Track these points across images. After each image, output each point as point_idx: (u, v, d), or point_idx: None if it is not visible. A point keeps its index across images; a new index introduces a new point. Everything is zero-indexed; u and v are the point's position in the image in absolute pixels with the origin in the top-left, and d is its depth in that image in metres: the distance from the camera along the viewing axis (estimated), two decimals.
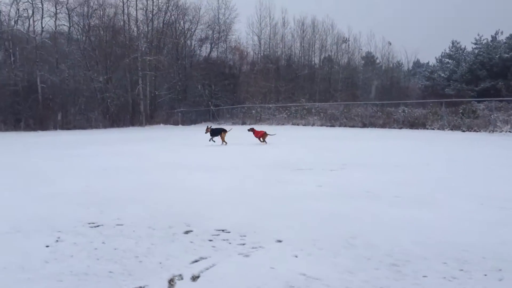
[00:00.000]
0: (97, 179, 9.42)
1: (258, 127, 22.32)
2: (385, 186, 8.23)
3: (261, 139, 18.69)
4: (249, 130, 19.45)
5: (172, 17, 45.76)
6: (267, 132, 19.11)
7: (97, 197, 7.30)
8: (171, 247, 4.75)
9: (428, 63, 73.58)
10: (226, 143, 18.22)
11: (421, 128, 28.04)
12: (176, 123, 40.98)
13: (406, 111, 30.38)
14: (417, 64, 73.89)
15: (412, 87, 59.97)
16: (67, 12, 40.75)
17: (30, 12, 39.25)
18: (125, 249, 4.65)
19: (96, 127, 37.87)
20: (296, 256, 4.46)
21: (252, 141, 18.73)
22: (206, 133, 18.73)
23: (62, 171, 10.83)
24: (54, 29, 40.82)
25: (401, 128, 28.90)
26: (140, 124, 39.96)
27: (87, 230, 5.33)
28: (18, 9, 39.15)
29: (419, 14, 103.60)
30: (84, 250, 4.61)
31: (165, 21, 44.79)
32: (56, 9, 40.04)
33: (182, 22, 47.16)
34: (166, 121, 41.19)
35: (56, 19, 40.28)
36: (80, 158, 13.62)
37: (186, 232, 5.30)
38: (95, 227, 5.49)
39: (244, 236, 5.15)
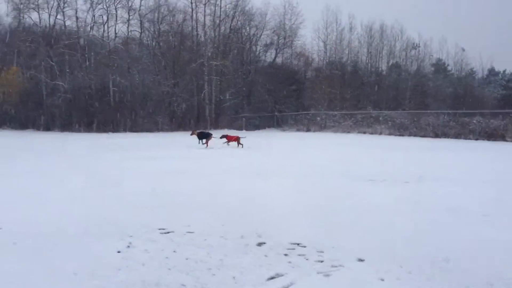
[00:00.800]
0: (162, 182, 9.39)
1: (322, 135, 21.84)
2: (471, 203, 7.52)
3: (236, 143, 19.54)
4: (221, 137, 19.88)
5: (239, 22, 46.18)
6: (240, 136, 20.24)
7: (164, 201, 7.20)
8: (245, 260, 4.46)
9: (505, 71, 69.38)
10: (207, 145, 19.19)
11: (499, 140, 26.20)
12: (239, 128, 41.12)
13: (482, 122, 28.55)
14: (492, 71, 69.92)
15: (487, 96, 56.68)
16: (139, 18, 42.26)
17: (105, 18, 41.11)
18: (197, 260, 4.41)
19: (163, 130, 38.78)
20: (383, 280, 4.02)
21: (314, 150, 18.28)
22: (191, 135, 20.46)
23: (130, 173, 10.95)
24: (126, 34, 42.45)
25: (477, 139, 27.16)
26: (205, 128, 40.43)
27: (158, 237, 5.17)
28: (94, 16, 41.13)
29: (494, 18, 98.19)
30: (155, 258, 4.43)
31: (231, 27, 45.27)
32: (129, 15, 41.65)
33: (248, 28, 47.51)
34: (230, 126, 41.45)
35: (128, 25, 41.90)
36: (147, 161, 13.78)
37: (259, 244, 4.99)
38: (165, 233, 5.32)
39: (322, 252, 4.77)
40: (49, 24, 41.98)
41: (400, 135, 30.96)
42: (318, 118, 39.43)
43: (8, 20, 45.49)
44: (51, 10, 41.15)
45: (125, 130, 38.65)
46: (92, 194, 7.93)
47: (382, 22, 52.97)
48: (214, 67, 41.56)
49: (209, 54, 42.31)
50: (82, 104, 40.16)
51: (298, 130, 39.54)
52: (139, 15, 42.02)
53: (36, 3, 40.95)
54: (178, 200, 7.33)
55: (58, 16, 41.41)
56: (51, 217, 5.98)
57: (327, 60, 52.17)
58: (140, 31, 43.14)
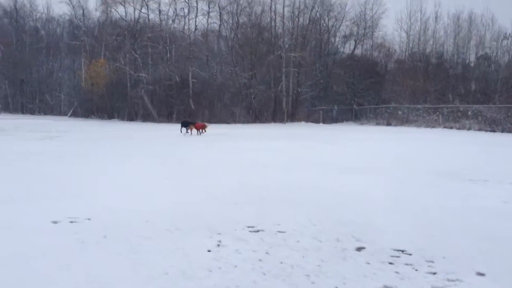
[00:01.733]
0: (247, 175, 9.10)
1: (404, 129, 20.73)
2: None
3: (200, 131, 21.79)
4: (186, 125, 22.20)
5: (317, 13, 45.28)
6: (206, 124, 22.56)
7: (251, 196, 6.87)
8: (345, 268, 3.99)
9: None
10: (191, 133, 21.82)
11: None
12: (316, 121, 40.43)
13: None
14: None
15: None
16: (218, 10, 42.72)
17: (186, 11, 41.98)
18: (292, 264, 4.01)
19: (239, 121, 38.97)
20: None
21: (398, 145, 17.26)
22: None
23: (213, 165, 10.79)
24: (206, 26, 43.10)
25: None
26: (282, 120, 40.20)
27: (247, 235, 4.83)
28: (175, 9, 42.14)
29: None
30: (248, 260, 4.08)
31: (310, 18, 44.45)
32: (209, 8, 42.25)
33: (326, 19, 46.44)
34: (307, 119, 40.86)
35: (208, 17, 42.51)
36: (229, 153, 13.65)
37: (358, 249, 4.50)
38: (255, 232, 4.97)
39: (432, 262, 4.18)
40: (134, 17, 43.62)
41: (491, 130, 28.71)
42: (400, 112, 37.68)
43: (96, 14, 47.91)
44: (136, 4, 42.67)
45: (203, 121, 39.30)
46: (177, 184, 7.84)
47: (471, 11, 49.59)
48: (292, 59, 41.03)
49: (287, 46, 41.83)
50: (163, 96, 41.42)
51: (377, 124, 38.10)
52: (219, 7, 42.51)
53: None
54: (265, 195, 6.98)
55: (143, 10, 42.90)
56: (139, 208, 5.88)
57: (409, 52, 49.78)
58: (219, 23, 43.61)
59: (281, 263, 4.03)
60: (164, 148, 15.13)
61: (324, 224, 5.34)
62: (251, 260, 4.08)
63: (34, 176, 8.48)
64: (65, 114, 51.51)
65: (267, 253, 4.29)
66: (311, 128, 32.70)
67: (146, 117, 41.43)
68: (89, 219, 5.24)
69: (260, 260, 4.09)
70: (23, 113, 52.16)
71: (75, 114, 48.69)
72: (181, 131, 21.88)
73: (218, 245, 4.45)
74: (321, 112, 41.37)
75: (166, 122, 38.67)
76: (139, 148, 14.86)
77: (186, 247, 4.35)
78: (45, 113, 52.54)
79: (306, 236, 4.85)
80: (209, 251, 4.28)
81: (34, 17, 56.85)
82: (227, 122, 38.40)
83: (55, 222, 5.09)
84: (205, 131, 22.07)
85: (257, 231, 5.01)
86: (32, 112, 52.94)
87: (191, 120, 23.84)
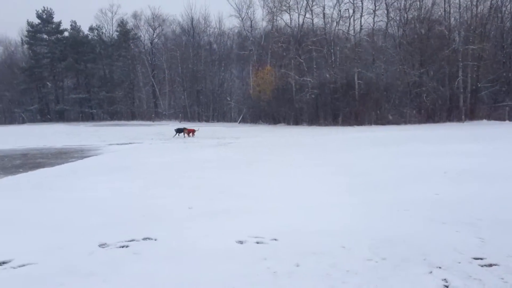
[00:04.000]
0: (443, 184, 7.84)
1: None
2: None
3: (190, 134, 25.74)
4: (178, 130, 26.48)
5: (499, 0, 40.17)
6: (195, 129, 26.94)
7: (459, 214, 5.71)
8: None
9: None
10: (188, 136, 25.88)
11: None
12: (501, 119, 35.78)
13: None
14: None
15: None
16: (385, 8, 40.81)
17: (351, 11, 40.98)
18: None
19: (410, 122, 36.54)
20: None
21: None
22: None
23: (397, 175, 9.62)
24: (372, 26, 41.53)
25: None
26: (459, 119, 36.54)
27: (480, 272, 3.81)
28: (340, 11, 41.44)
29: None
30: None
31: (491, 5, 39.66)
32: (375, 6, 40.58)
33: (509, 6, 40.95)
34: (489, 116, 36.43)
35: (374, 15, 40.84)
36: (414, 158, 12.26)
37: None
38: (487, 266, 3.93)
39: None
40: (298, 23, 44.10)
41: None
42: None
43: (263, 24, 49.80)
44: (300, 10, 43.14)
45: (369, 123, 37.86)
46: (360, 199, 6.97)
47: None
48: (470, 52, 37.08)
49: (462, 39, 37.96)
50: (328, 99, 41.03)
51: None
52: (386, 4, 40.58)
53: (288, 5, 43.47)
54: (479, 212, 5.76)
55: (307, 15, 43.17)
56: (328, 227, 5.21)
57: None
58: (386, 20, 41.63)
59: None
60: (340, 156, 13.93)
61: None
62: None
63: (211, 186, 8.20)
64: (235, 120, 54.58)
65: None
66: (498, 127, 28.81)
67: (312, 121, 41.49)
68: (275, 240, 4.77)
69: None
70: (199, 121, 56.70)
71: (244, 120, 51.22)
72: (173, 136, 26.27)
73: (446, 287, 3.53)
74: (507, 108, 36.50)
75: (331, 126, 38.19)
76: (312, 155, 14.20)
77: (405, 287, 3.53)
78: (218, 120, 56.39)
79: None
80: None
81: (208, 33, 61.60)
82: (397, 123, 36.31)
83: (240, 242, 4.71)
84: (193, 135, 26.21)
85: (490, 265, 3.95)
86: (206, 119, 57.27)
87: (183, 127, 27.99)
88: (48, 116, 63.45)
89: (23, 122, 62.96)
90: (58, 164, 12.17)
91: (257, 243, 4.68)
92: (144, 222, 5.43)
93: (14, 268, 3.90)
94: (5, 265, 3.98)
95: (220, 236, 4.88)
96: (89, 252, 4.23)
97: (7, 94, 64.64)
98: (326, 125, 39.18)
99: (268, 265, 3.99)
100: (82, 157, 14.19)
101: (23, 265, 3.96)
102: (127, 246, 4.51)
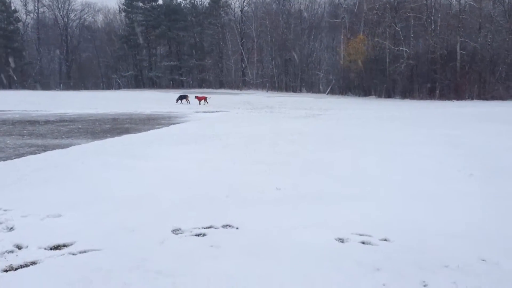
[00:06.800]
0: None
1: None
2: None
3: (201, 102, 26.31)
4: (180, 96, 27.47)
5: None
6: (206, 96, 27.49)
7: None
8: None
9: None
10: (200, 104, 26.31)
11: None
12: None
13: None
14: None
15: None
16: None
17: None
18: None
19: None
20: None
21: None
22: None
23: None
24: None
25: None
26: None
27: None
28: None
29: None
30: None
31: None
32: None
33: None
34: None
35: None
36: None
37: None
38: None
39: None
40: None
41: None
42: None
43: None
44: None
45: (471, 98, 34.88)
46: (496, 188, 5.59)
47: None
48: None
49: None
50: (425, 70, 38.30)
51: None
52: None
53: None
54: None
55: None
56: (454, 229, 3.95)
57: None
58: None
59: None
60: (446, 132, 12.15)
61: None
62: None
63: (303, 164, 7.12)
64: (323, 91, 53.12)
65: None
66: None
67: (405, 94, 39.09)
68: (386, 241, 3.67)
69: None
70: (286, 91, 55.90)
71: (332, 91, 49.65)
72: (176, 102, 26.81)
73: None
74: None
75: (427, 99, 35.65)
76: (412, 131, 12.74)
77: None
78: (306, 91, 55.19)
79: None
80: None
81: (299, 0, 59.99)
82: (502, 99, 33.01)
83: (341, 240, 3.68)
84: (206, 102, 26.46)
85: None
86: (294, 90, 56.29)
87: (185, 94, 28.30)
88: (142, 82, 66.08)
89: (118, 87, 66.14)
90: (145, 130, 12.06)
91: (363, 243, 3.64)
92: (227, 204, 4.65)
93: (73, 254, 3.30)
94: (64, 249, 3.39)
95: (314, 229, 3.93)
96: (161, 240, 3.57)
97: (105, 60, 68.20)
98: (421, 98, 36.67)
99: (383, 280, 2.91)
100: (169, 124, 14.07)
101: (84, 251, 3.34)
102: (203, 235, 3.76)
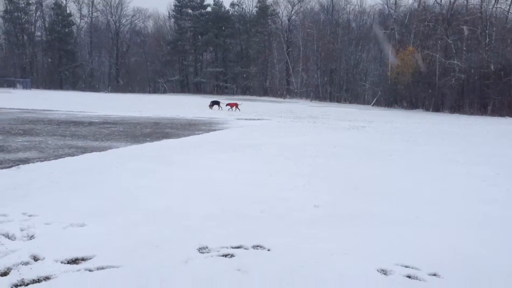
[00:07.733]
0: None
1: None
2: None
3: (233, 108, 26.35)
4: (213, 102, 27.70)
5: None
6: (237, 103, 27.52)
7: None
8: None
9: None
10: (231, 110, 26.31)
11: None
12: None
13: None
14: None
15: None
16: None
17: None
18: None
19: None
20: None
21: None
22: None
23: None
24: None
25: None
26: None
27: None
28: None
29: None
30: None
31: None
32: None
33: None
34: None
35: None
36: None
37: None
38: None
39: None
40: (449, 1, 39.88)
41: None
42: None
43: (408, 1, 46.25)
44: None
45: None
46: None
47: None
48: None
49: None
50: (477, 85, 36.76)
51: None
52: None
53: None
54: None
55: None
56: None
57: None
58: None
59: None
60: (503, 152, 11.58)
61: None
62: None
63: (343, 179, 6.68)
64: (368, 103, 52.01)
65: None
66: None
67: (454, 108, 37.61)
68: (436, 276, 3.18)
69: None
70: (330, 101, 55.10)
71: (377, 103, 48.52)
72: (210, 108, 26.75)
73: None
74: None
75: (478, 115, 34.14)
76: (463, 148, 12.12)
77: None
78: (350, 102, 54.21)
79: None
80: None
81: (348, 10, 59.32)
82: None
83: (383, 272, 3.23)
84: (237, 108, 26.47)
85: None
86: (338, 100, 55.42)
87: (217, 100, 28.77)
88: (187, 87, 67.02)
89: (164, 92, 67.32)
90: (184, 135, 11.90)
91: (409, 277, 3.17)
92: (260, 222, 4.27)
93: (90, 270, 3.02)
94: (82, 264, 3.13)
95: (354, 256, 3.51)
96: (185, 259, 3.22)
97: (153, 65, 69.71)
98: (471, 113, 35.15)
99: None
100: (209, 130, 13.89)
101: (102, 268, 3.07)
102: (232, 256, 3.39)
